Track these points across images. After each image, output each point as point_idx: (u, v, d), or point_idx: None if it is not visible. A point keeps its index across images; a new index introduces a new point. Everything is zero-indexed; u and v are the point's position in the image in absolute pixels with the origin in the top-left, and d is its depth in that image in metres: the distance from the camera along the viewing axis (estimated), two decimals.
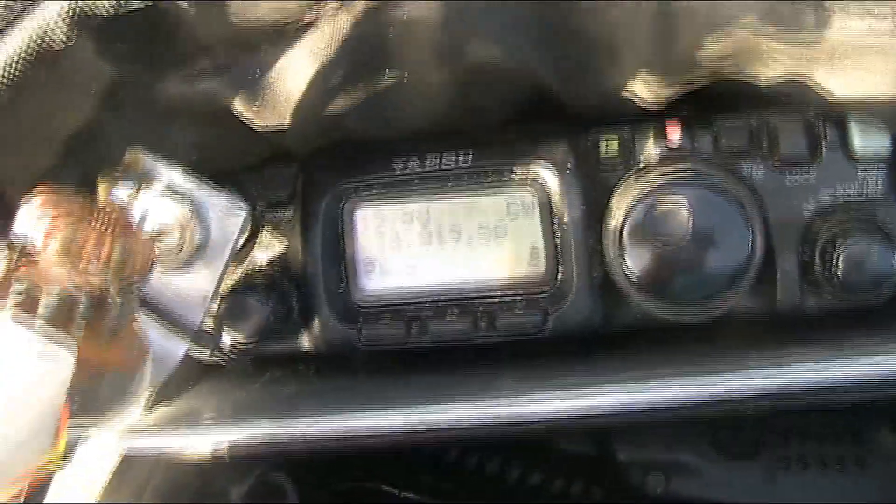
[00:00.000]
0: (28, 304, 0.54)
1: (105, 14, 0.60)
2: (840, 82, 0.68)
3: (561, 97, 0.75)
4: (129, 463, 0.83)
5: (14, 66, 0.60)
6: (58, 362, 0.52)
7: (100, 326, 0.59)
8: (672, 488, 1.02)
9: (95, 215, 0.60)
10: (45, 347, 0.52)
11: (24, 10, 0.60)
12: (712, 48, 0.67)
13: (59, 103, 0.66)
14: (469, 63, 0.70)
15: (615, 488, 1.05)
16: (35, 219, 0.57)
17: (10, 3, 0.60)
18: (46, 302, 0.54)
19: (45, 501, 0.73)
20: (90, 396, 0.63)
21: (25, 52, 0.59)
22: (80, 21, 0.60)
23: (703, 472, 1.01)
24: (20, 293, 0.54)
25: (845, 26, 0.62)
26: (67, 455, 0.62)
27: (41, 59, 0.60)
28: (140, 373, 0.66)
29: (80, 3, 0.59)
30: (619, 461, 1.04)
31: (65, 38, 0.60)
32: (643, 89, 0.72)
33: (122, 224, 0.61)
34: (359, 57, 0.69)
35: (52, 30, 0.59)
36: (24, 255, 0.57)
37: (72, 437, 0.60)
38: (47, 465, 0.54)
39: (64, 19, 0.59)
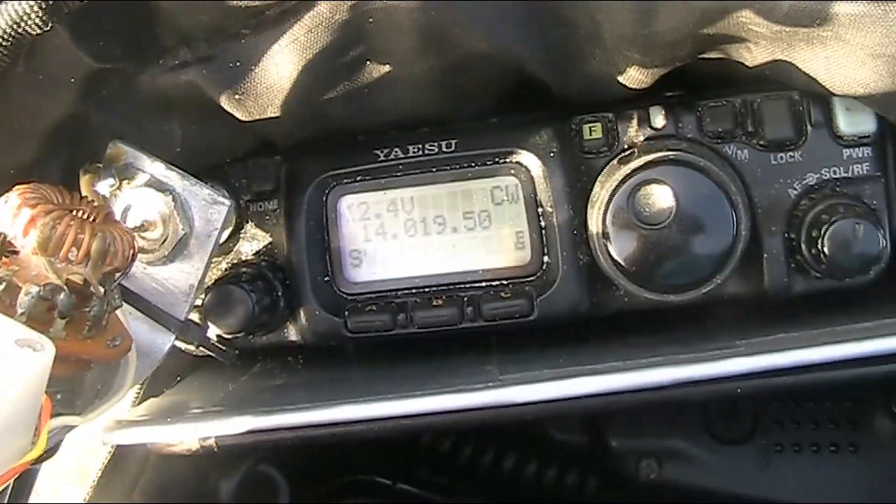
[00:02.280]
0: (7, 302, 0.54)
1: (81, 1, 0.60)
2: (821, 62, 0.68)
3: (545, 82, 0.75)
4: (119, 457, 0.83)
5: None
6: (37, 356, 0.51)
7: (81, 319, 0.58)
8: (665, 474, 1.02)
9: (77, 208, 0.60)
10: (24, 342, 0.51)
11: None
12: (691, 20, 0.66)
13: (38, 95, 0.65)
14: (451, 51, 0.70)
15: (609, 476, 1.05)
16: (14, 214, 0.56)
17: None
18: (26, 298, 0.54)
19: (34, 496, 0.73)
20: (74, 390, 0.62)
21: (0, 40, 0.59)
22: (55, 9, 0.59)
23: (696, 458, 1.02)
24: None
25: None
26: (53, 451, 0.62)
27: (17, 48, 0.60)
28: (125, 365, 0.65)
29: None
30: (611, 448, 1.04)
31: (40, 27, 0.59)
32: (627, 69, 0.72)
33: (103, 217, 0.61)
34: (340, 45, 0.69)
35: (27, 18, 0.59)
36: (3, 249, 0.56)
37: (56, 431, 0.60)
38: (29, 461, 0.53)
39: (39, 7, 0.59)
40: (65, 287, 0.56)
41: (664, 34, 0.67)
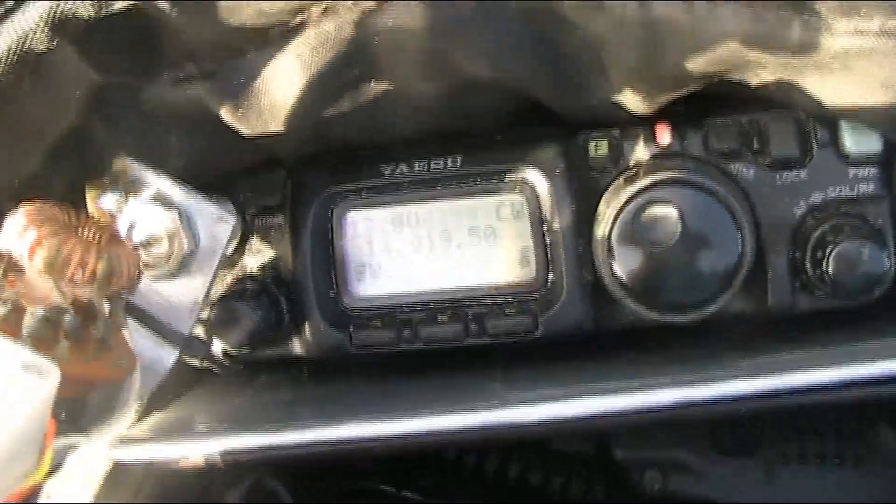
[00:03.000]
0: (12, 323, 0.54)
1: (87, 18, 0.60)
2: (830, 88, 0.68)
3: (550, 106, 0.75)
4: (121, 471, 0.83)
5: None
6: (43, 381, 0.52)
7: (87, 339, 0.59)
8: (669, 486, 1.02)
9: (82, 226, 0.60)
10: (30, 366, 0.51)
11: (4, 13, 0.59)
12: (699, 61, 0.66)
13: (44, 109, 0.65)
14: (455, 74, 0.70)
15: (613, 486, 1.05)
16: (19, 233, 0.57)
17: None
18: (31, 320, 0.54)
19: None
20: (78, 410, 0.62)
21: (6, 56, 0.59)
22: (62, 25, 0.59)
23: (700, 470, 1.01)
24: (4, 313, 0.54)
25: (832, 28, 0.62)
26: (55, 470, 0.62)
27: (23, 63, 0.60)
28: (129, 384, 0.65)
29: (61, 4, 0.59)
30: (616, 459, 1.04)
31: (46, 43, 0.59)
32: (632, 100, 0.72)
33: (109, 234, 0.61)
34: (344, 64, 0.68)
35: (33, 34, 0.59)
36: (9, 269, 0.57)
37: (61, 451, 0.60)
38: (33, 483, 0.54)
39: (45, 23, 0.59)
40: (70, 308, 0.56)
41: (671, 72, 0.67)
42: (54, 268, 0.56)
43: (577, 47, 0.67)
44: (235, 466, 0.83)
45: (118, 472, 0.83)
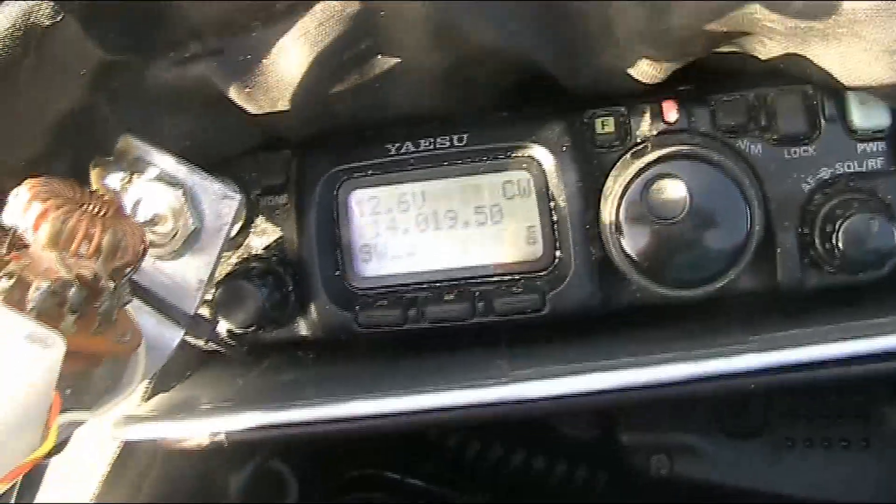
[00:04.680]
0: (17, 297, 0.54)
1: None
2: (837, 58, 0.67)
3: (556, 77, 0.75)
4: (127, 454, 0.83)
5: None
6: (47, 352, 0.51)
7: (91, 315, 0.58)
8: (676, 470, 1.02)
9: (87, 202, 0.59)
10: (34, 337, 0.51)
11: None
12: (705, 20, 0.66)
13: (48, 87, 0.65)
14: (461, 45, 0.70)
15: (619, 471, 1.05)
16: (24, 208, 0.56)
17: None
18: (36, 294, 0.54)
19: (41, 493, 0.73)
20: (84, 386, 0.62)
21: (10, 32, 0.59)
22: (66, 1, 0.59)
23: (707, 454, 1.01)
24: (9, 287, 0.53)
25: None
26: (61, 446, 0.61)
27: (27, 39, 0.59)
28: (134, 361, 0.65)
29: None
30: (622, 444, 1.04)
31: (50, 18, 0.59)
32: (639, 64, 0.71)
33: (114, 211, 0.61)
34: (350, 39, 0.68)
35: (37, 9, 0.59)
36: (14, 244, 0.56)
37: (66, 427, 0.60)
38: (38, 457, 0.53)
39: None
40: (75, 282, 0.56)
41: (677, 30, 0.67)
42: (59, 241, 0.56)
43: (584, 10, 0.67)
44: (241, 448, 0.83)
45: (124, 459, 0.83)
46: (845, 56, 0.66)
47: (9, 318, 0.52)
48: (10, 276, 0.54)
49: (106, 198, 0.61)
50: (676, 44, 0.69)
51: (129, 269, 0.61)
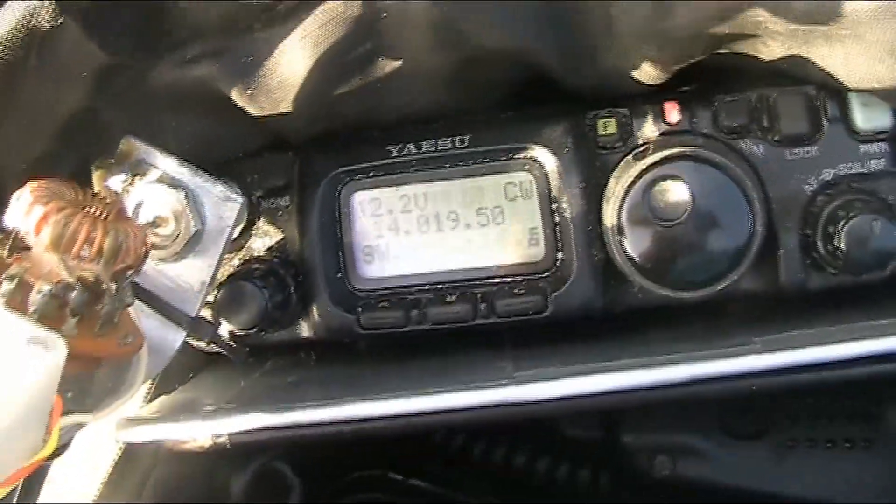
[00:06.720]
0: (19, 299, 0.54)
1: None
2: (839, 59, 0.67)
3: (558, 78, 0.75)
4: (129, 456, 0.83)
5: (1, 48, 0.59)
6: (49, 355, 0.51)
7: (93, 317, 0.58)
8: (679, 470, 1.02)
9: (89, 203, 0.59)
10: (36, 340, 0.51)
11: None
12: (707, 20, 0.66)
13: (50, 89, 0.65)
14: (464, 46, 0.70)
15: (622, 472, 1.05)
16: (26, 210, 0.56)
17: None
18: (38, 296, 0.54)
19: (42, 495, 0.73)
20: (86, 388, 0.62)
21: (12, 33, 0.59)
22: (67, 3, 0.59)
23: (709, 454, 1.01)
24: (11, 289, 0.53)
25: None
26: (63, 449, 0.61)
27: (29, 42, 0.59)
28: (136, 363, 0.65)
29: None
30: (625, 445, 1.04)
31: (52, 20, 0.59)
32: (641, 64, 0.71)
33: (116, 214, 0.61)
34: (352, 41, 0.68)
35: (38, 11, 0.59)
36: (16, 246, 0.56)
37: (68, 429, 0.60)
38: (40, 459, 0.53)
39: (50, 0, 0.59)
40: (77, 285, 0.56)
41: (679, 31, 0.67)
42: (61, 244, 0.55)
43: (587, 10, 0.67)
44: (243, 449, 0.83)
45: (126, 461, 0.83)
46: (848, 57, 0.66)
47: (10, 320, 0.52)
48: (11, 278, 0.54)
49: (108, 200, 0.61)
50: (678, 45, 0.69)
51: (130, 272, 0.61)
